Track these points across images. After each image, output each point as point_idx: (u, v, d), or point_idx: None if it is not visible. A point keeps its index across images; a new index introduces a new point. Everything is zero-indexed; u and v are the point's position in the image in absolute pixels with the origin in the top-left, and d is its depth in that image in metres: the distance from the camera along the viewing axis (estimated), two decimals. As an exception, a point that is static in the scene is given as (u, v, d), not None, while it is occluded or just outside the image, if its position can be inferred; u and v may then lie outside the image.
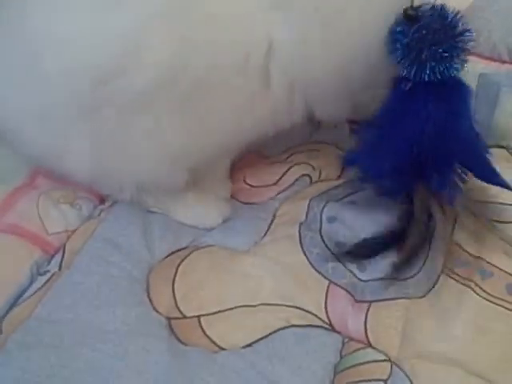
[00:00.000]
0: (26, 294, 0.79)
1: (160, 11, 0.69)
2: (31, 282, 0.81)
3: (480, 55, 0.97)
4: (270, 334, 0.74)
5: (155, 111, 0.73)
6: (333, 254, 0.81)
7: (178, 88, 0.72)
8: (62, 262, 0.83)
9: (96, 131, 0.74)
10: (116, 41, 0.69)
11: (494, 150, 0.93)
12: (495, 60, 0.98)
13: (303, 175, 0.94)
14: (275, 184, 0.94)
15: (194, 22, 0.71)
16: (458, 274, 0.79)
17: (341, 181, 0.93)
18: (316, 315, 0.76)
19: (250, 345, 0.73)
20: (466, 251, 0.82)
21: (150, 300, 0.78)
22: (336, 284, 0.79)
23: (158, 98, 0.72)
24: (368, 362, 0.73)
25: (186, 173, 0.82)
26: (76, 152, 0.77)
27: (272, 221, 0.88)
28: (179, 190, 0.86)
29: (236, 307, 0.76)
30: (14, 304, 0.78)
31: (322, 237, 0.84)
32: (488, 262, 0.80)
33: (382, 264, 0.80)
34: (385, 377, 0.71)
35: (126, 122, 0.73)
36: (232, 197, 0.93)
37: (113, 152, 0.77)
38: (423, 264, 0.80)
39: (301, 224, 0.85)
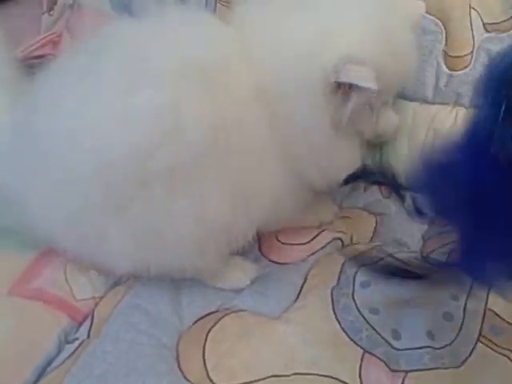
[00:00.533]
0: (54, 364, 0.78)
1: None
2: (59, 351, 0.80)
3: None
4: None
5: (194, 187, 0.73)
6: (367, 322, 0.79)
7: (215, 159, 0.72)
8: (90, 329, 0.82)
9: (136, 218, 0.74)
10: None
11: None
12: None
13: (335, 239, 0.92)
14: (307, 244, 0.93)
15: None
16: (494, 343, 0.77)
17: (373, 244, 0.92)
18: None
19: (283, 416, 0.71)
20: (503, 318, 0.80)
21: (181, 369, 0.76)
22: (371, 353, 0.77)
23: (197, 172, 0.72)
24: None
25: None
26: (115, 243, 0.76)
27: (303, 284, 0.86)
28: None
29: (268, 377, 0.74)
30: (41, 374, 0.77)
31: (355, 302, 0.82)
32: None
33: (418, 332, 0.78)
34: None
35: (167, 202, 0.73)
36: (262, 254, 0.92)
37: (154, 239, 0.76)
38: (459, 331, 0.78)
39: (333, 288, 0.84)
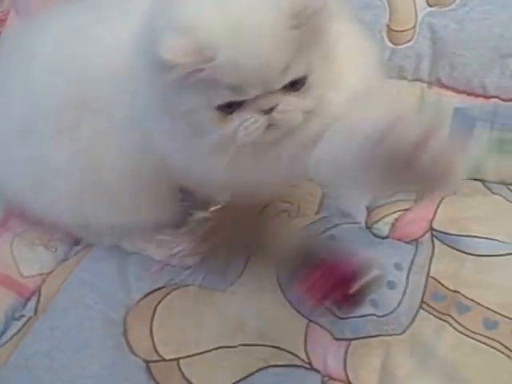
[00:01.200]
0: (1, 341, 0.81)
1: None
2: (6, 328, 0.82)
3: (454, 89, 1.01)
4: (250, 375, 0.76)
5: None
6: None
7: None
8: (37, 305, 0.85)
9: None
10: None
11: (469, 183, 0.99)
12: (469, 94, 1.01)
13: (282, 211, 0.95)
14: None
15: None
16: (435, 309, 0.81)
17: (319, 215, 0.95)
18: (295, 354, 0.78)
19: (230, 387, 0.75)
20: (443, 285, 0.84)
21: (128, 343, 0.79)
22: (315, 322, 0.81)
23: None
24: (347, 401, 0.75)
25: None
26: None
27: (248, 258, 0.89)
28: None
29: (215, 348, 0.78)
30: (-12, 351, 0.80)
31: (302, 273, 0.86)
32: (465, 296, 0.82)
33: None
34: (364, 414, 0.73)
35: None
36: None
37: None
38: (402, 299, 0.83)
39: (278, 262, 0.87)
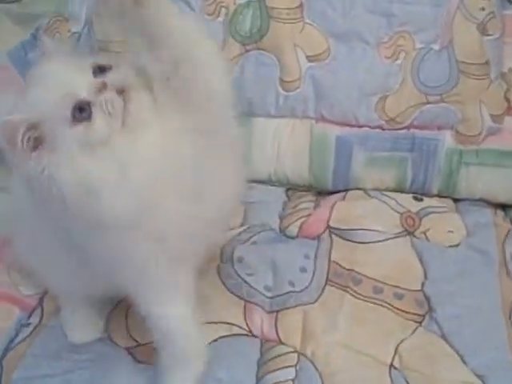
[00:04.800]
0: (16, 340, 0.99)
1: None
2: (17, 333, 1.00)
3: (335, 122, 1.24)
4: (210, 343, 0.95)
5: None
6: (245, 281, 1.06)
7: None
8: (42, 316, 1.03)
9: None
10: None
11: (354, 192, 1.25)
12: (346, 125, 1.24)
13: None
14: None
15: None
16: (337, 283, 1.06)
17: (243, 227, 1.18)
18: (239, 326, 1.00)
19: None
20: (341, 266, 1.09)
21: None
22: (250, 302, 1.03)
23: None
24: (281, 355, 0.96)
25: None
26: None
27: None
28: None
29: None
30: (7, 349, 0.97)
31: (235, 270, 1.08)
32: (358, 272, 1.07)
33: (283, 283, 1.06)
34: (294, 363, 0.95)
35: None
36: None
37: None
38: (312, 278, 1.06)
39: (218, 265, 1.09)
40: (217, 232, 0.93)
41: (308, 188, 1.30)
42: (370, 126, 1.25)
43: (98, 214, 0.72)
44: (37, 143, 0.71)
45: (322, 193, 1.30)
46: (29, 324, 1.02)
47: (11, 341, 0.99)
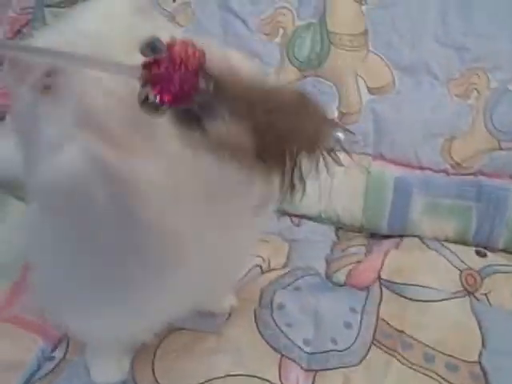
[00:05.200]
0: (37, 377, 0.91)
1: None
2: (39, 367, 0.92)
3: (395, 161, 1.17)
4: None
5: None
6: (283, 333, 0.97)
7: None
8: (67, 350, 0.95)
9: None
10: None
11: (410, 240, 1.16)
12: (407, 166, 1.16)
13: (255, 266, 1.09)
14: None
15: None
16: (384, 345, 0.96)
17: (287, 269, 1.10)
18: (272, 382, 0.90)
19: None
20: (391, 325, 0.98)
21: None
22: (287, 357, 0.93)
23: None
24: (316, 421, 0.88)
25: None
26: None
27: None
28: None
29: (206, 381, 0.89)
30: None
31: (274, 320, 0.99)
32: (408, 335, 0.97)
33: (324, 339, 0.96)
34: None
35: None
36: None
37: None
38: (357, 336, 0.97)
39: (255, 310, 1.00)
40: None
41: (360, 229, 1.21)
42: (433, 170, 1.16)
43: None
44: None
45: (374, 235, 1.20)
46: (53, 358, 0.94)
47: (32, 374, 0.91)
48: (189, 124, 0.54)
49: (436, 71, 1.16)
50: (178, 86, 0.53)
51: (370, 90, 1.18)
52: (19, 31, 1.45)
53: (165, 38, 0.56)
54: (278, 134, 0.54)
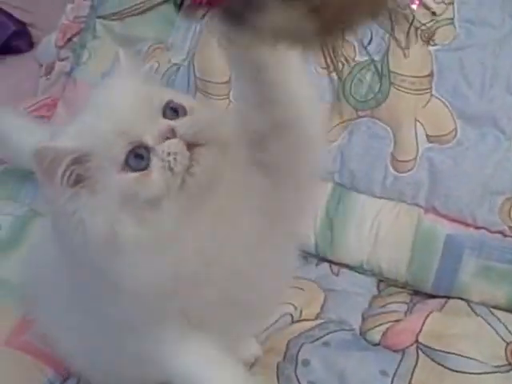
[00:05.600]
0: None
1: None
2: None
3: (447, 217, 1.08)
4: None
5: None
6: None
7: None
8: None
9: None
10: None
11: (456, 302, 1.07)
12: (461, 223, 1.07)
13: (286, 314, 1.03)
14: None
15: None
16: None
17: (318, 321, 1.03)
18: None
19: None
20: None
21: None
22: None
23: None
24: None
25: None
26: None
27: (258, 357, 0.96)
28: None
29: None
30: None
31: (297, 377, 0.93)
32: None
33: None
34: None
35: None
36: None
37: None
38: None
39: (279, 364, 0.95)
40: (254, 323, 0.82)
41: (404, 285, 1.13)
42: (489, 230, 1.07)
43: (117, 276, 0.61)
44: (77, 180, 0.60)
45: (418, 293, 1.12)
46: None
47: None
48: (237, 25, 0.49)
49: (503, 124, 1.07)
50: None
51: (429, 138, 1.10)
52: (70, 39, 1.45)
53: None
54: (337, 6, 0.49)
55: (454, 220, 1.09)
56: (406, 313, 1.06)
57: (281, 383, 0.92)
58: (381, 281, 1.15)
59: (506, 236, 1.06)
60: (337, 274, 1.14)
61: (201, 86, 1.23)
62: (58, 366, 0.93)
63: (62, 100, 1.37)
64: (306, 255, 1.12)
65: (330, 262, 1.16)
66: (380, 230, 1.12)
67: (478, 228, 1.08)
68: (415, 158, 1.10)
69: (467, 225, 1.08)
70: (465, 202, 1.08)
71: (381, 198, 1.13)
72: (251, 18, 0.48)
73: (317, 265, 1.15)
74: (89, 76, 1.36)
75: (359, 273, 1.15)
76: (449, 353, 0.96)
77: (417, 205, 1.11)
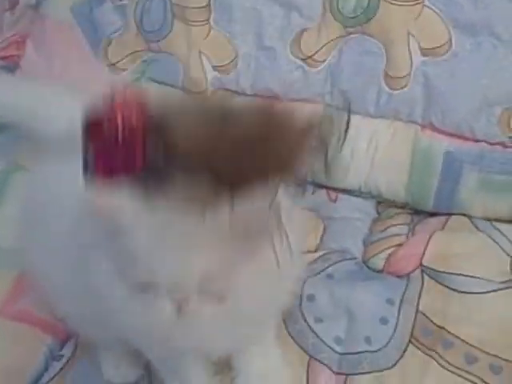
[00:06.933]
0: (44, 379, 0.87)
1: None
2: (47, 367, 0.89)
3: (445, 132, 1.05)
4: None
5: None
6: (312, 331, 0.90)
7: None
8: (75, 348, 0.90)
9: None
10: None
11: (458, 219, 1.05)
12: (459, 137, 1.05)
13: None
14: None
15: None
16: (423, 344, 0.88)
17: (319, 253, 1.01)
18: None
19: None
20: (431, 321, 0.90)
21: None
22: (316, 359, 0.87)
23: None
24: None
25: None
26: None
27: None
28: None
29: None
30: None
31: (302, 313, 0.92)
32: (449, 332, 0.89)
33: (358, 338, 0.89)
34: None
35: None
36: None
37: None
38: (393, 334, 0.89)
39: None
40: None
41: (403, 205, 1.11)
42: (488, 142, 1.04)
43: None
44: None
45: (419, 212, 1.10)
46: (61, 356, 0.90)
47: (39, 377, 0.88)
48: (150, 193, 0.52)
49: (500, 32, 1.01)
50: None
51: (423, 51, 1.05)
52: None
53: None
54: (250, 170, 0.52)
55: (452, 135, 1.06)
56: (407, 235, 1.05)
57: (286, 323, 0.91)
58: (380, 202, 1.13)
59: (506, 147, 1.04)
60: (334, 201, 1.12)
61: (178, 13, 1.15)
62: (56, 330, 0.92)
63: (31, 39, 1.29)
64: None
65: (327, 188, 1.13)
66: (377, 152, 1.09)
67: (477, 141, 1.05)
68: (409, 74, 1.05)
69: (466, 139, 1.05)
70: (462, 115, 1.04)
71: (375, 117, 1.09)
72: (162, 188, 0.51)
73: (313, 192, 1.12)
74: (58, 11, 1.27)
75: (357, 196, 1.13)
76: (454, 274, 0.95)
77: (413, 122, 1.07)
